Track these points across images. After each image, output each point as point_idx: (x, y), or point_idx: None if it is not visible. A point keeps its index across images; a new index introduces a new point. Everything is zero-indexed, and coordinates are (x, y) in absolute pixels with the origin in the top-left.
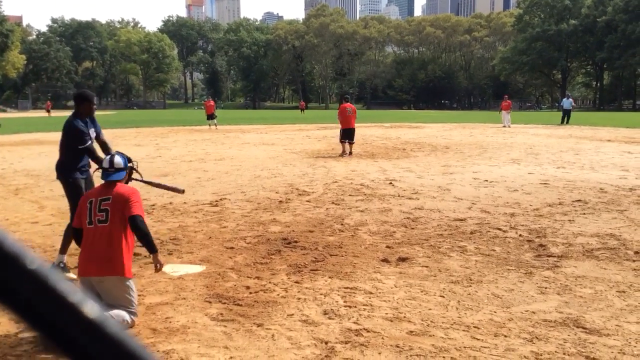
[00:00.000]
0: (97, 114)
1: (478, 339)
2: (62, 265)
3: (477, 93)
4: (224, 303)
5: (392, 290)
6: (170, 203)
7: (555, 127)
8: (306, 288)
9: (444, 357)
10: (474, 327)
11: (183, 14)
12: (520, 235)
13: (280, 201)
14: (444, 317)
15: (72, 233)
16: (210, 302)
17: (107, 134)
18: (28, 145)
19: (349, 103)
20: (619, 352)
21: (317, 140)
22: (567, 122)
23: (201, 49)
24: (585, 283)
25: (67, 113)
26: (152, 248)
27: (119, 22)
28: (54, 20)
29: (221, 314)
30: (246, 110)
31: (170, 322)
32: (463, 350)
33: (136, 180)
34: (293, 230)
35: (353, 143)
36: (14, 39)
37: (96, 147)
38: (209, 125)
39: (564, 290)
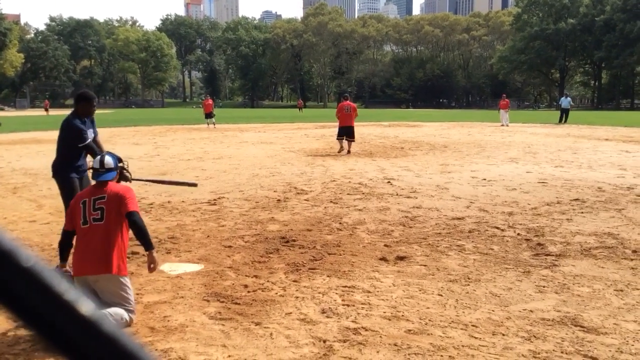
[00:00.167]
0: (95, 112)
1: (476, 338)
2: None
3: (475, 92)
4: (222, 302)
5: (390, 289)
6: (169, 202)
7: (553, 126)
8: (304, 287)
9: (442, 355)
10: (472, 325)
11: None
12: (518, 234)
13: (279, 200)
14: (442, 316)
15: (63, 235)
16: (208, 301)
17: (106, 133)
18: (26, 144)
19: (347, 101)
20: (616, 351)
21: (316, 139)
22: (565, 121)
23: (199, 47)
24: (583, 282)
25: (65, 112)
26: (148, 245)
27: (117, 20)
28: (52, 19)
29: (219, 312)
30: (244, 109)
31: (168, 320)
32: (461, 349)
33: (145, 180)
34: (291, 229)
35: (352, 141)
36: (12, 38)
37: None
38: (208, 124)
39: (562, 289)
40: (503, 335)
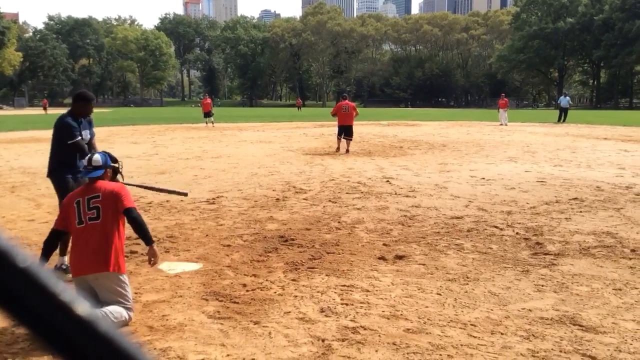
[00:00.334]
0: (94, 111)
1: (475, 337)
2: (63, 267)
3: (474, 91)
4: (221, 301)
5: (389, 288)
6: (167, 201)
7: (552, 125)
8: (303, 286)
9: (440, 354)
10: (471, 324)
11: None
12: (517, 233)
13: (277, 199)
14: (440, 315)
15: (51, 234)
16: (207, 300)
17: (104, 132)
18: (24, 142)
19: (346, 101)
20: (615, 350)
21: (314, 138)
22: (564, 121)
23: (198, 46)
24: (581, 281)
25: (63, 110)
26: (148, 240)
27: (115, 19)
28: (50, 18)
29: (218, 311)
30: (243, 108)
31: (167, 319)
32: (460, 348)
33: (135, 186)
34: (290, 228)
35: (350, 139)
36: (11, 36)
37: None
38: (206, 123)
39: (561, 288)
40: (502, 334)
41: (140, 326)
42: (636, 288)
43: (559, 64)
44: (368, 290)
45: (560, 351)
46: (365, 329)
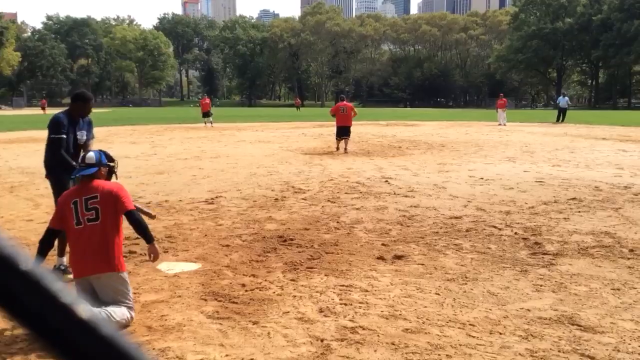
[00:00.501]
0: (93, 111)
1: (473, 337)
2: (62, 267)
3: (472, 91)
4: (220, 301)
5: (387, 288)
6: (166, 201)
7: (550, 125)
8: (302, 286)
9: (439, 354)
10: (470, 324)
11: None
12: (515, 233)
13: (276, 199)
14: (439, 315)
15: (47, 233)
16: (205, 300)
17: (103, 132)
18: (23, 142)
19: (344, 102)
20: (613, 350)
21: (313, 138)
22: (563, 120)
23: (197, 46)
24: (580, 281)
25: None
26: (149, 238)
27: (114, 19)
28: (49, 18)
29: (217, 311)
30: (242, 108)
31: (165, 320)
32: (458, 348)
33: None
34: (289, 228)
35: (347, 139)
36: (9, 36)
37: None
38: (205, 123)
39: (559, 287)
40: (500, 334)
41: (139, 326)
42: (634, 288)
43: (558, 64)
44: (367, 290)
45: (559, 351)
46: (364, 329)
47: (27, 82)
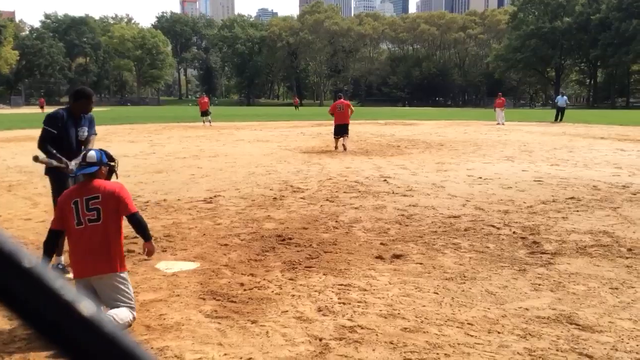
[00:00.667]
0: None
1: (472, 336)
2: (60, 266)
3: (471, 90)
4: (218, 300)
5: (386, 287)
6: (164, 200)
7: (549, 124)
8: (300, 285)
9: (437, 353)
10: (468, 323)
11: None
12: (514, 232)
13: (275, 198)
14: (437, 314)
15: (50, 235)
16: (204, 299)
17: (101, 131)
18: (21, 141)
19: (341, 100)
20: (611, 349)
21: (312, 137)
22: (561, 120)
23: (195, 45)
24: (578, 280)
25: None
26: (147, 237)
27: (112, 17)
28: (47, 16)
29: (215, 310)
30: (240, 107)
31: (164, 319)
32: (457, 347)
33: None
34: (287, 227)
35: (346, 136)
36: (7, 35)
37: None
38: (203, 122)
39: (557, 287)
40: (499, 333)
41: (137, 325)
42: (633, 287)
43: (556, 64)
44: (365, 290)
45: (557, 350)
46: (362, 328)
47: (25, 81)
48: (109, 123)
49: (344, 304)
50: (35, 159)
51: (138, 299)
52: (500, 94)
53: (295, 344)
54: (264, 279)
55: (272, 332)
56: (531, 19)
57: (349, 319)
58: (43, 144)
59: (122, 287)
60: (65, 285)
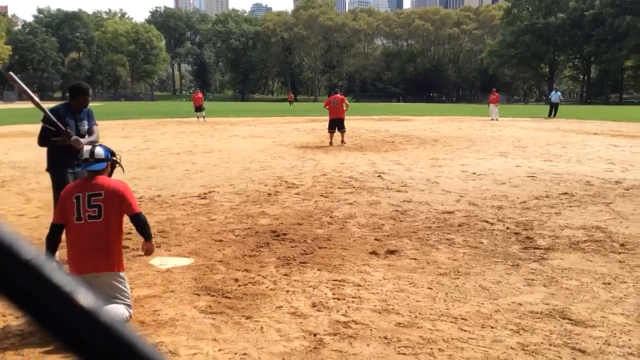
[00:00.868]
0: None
1: (465, 331)
2: (55, 261)
3: (465, 86)
4: (213, 296)
5: (380, 283)
6: (159, 196)
7: (542, 120)
8: (295, 280)
9: (431, 348)
10: (462, 318)
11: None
12: (507, 227)
13: (269, 194)
14: (431, 309)
15: (52, 229)
16: (198, 295)
17: None
18: (14, 136)
19: (336, 95)
20: (604, 343)
21: (306, 133)
22: (555, 115)
23: (189, 40)
24: (571, 275)
25: (53, 104)
26: (148, 236)
27: (106, 12)
28: (39, 11)
29: (210, 306)
30: (235, 102)
31: (158, 314)
32: (450, 342)
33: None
34: (282, 223)
35: (343, 132)
36: (0, 30)
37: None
38: (198, 118)
39: (550, 282)
40: (492, 328)
41: (131, 321)
42: (625, 282)
43: (550, 59)
44: (360, 285)
45: (550, 345)
46: (356, 324)
47: (17, 76)
48: (102, 118)
49: (338, 299)
50: (10, 77)
51: (132, 294)
52: (494, 89)
53: (290, 340)
54: (259, 275)
55: (267, 327)
56: (525, 15)
57: (343, 315)
58: (43, 139)
59: (120, 286)
60: (64, 276)
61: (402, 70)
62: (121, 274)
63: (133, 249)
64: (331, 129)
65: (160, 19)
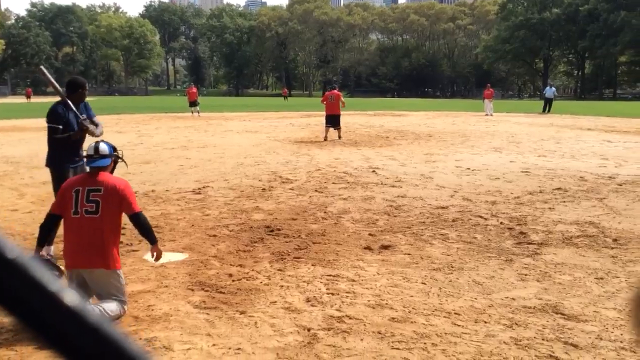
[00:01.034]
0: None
1: (459, 325)
2: (49, 255)
3: (460, 81)
4: (207, 291)
5: (374, 278)
6: (153, 191)
7: (537, 115)
8: (289, 276)
9: (425, 343)
10: (455, 313)
11: None
12: (501, 222)
13: (264, 189)
14: (425, 304)
15: (47, 218)
16: (192, 290)
17: None
18: (7, 131)
19: (333, 91)
20: (596, 338)
21: (301, 128)
22: (549, 111)
23: (183, 35)
24: (564, 270)
25: (47, 99)
26: (152, 240)
27: (99, 6)
28: (33, 5)
29: (204, 301)
30: (229, 97)
31: (152, 310)
32: (444, 337)
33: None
34: (276, 218)
35: (339, 128)
36: None
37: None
38: (192, 113)
39: (544, 277)
40: (485, 322)
41: (125, 316)
42: (617, 277)
43: (545, 55)
44: (354, 280)
45: (543, 339)
46: (350, 318)
47: (11, 70)
48: (96, 113)
49: (332, 294)
50: (40, 71)
51: (126, 290)
52: (489, 85)
53: (284, 334)
54: (253, 270)
55: (261, 322)
56: (520, 10)
57: (337, 310)
58: (54, 138)
59: (116, 283)
60: (49, 276)
61: (396, 66)
62: (117, 271)
63: (127, 244)
64: (327, 124)
65: (155, 13)
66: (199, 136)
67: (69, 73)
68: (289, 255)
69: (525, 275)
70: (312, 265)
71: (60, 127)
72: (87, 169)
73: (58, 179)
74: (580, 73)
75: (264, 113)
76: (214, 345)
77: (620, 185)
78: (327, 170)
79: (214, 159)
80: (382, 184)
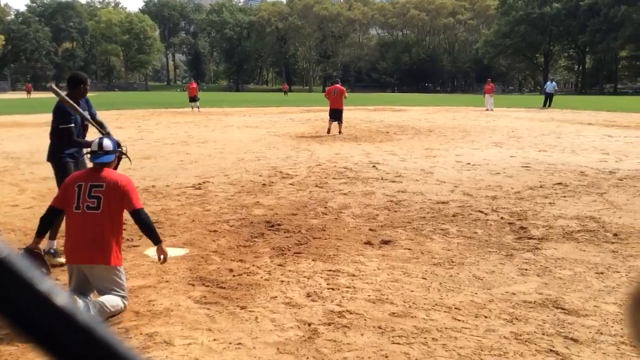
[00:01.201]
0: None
1: (459, 320)
2: (52, 251)
3: (460, 76)
4: (207, 286)
5: (374, 273)
6: (153, 186)
7: (537, 110)
8: (289, 271)
9: (425, 338)
10: (455, 308)
11: None
12: (501, 217)
13: (264, 184)
14: (425, 299)
15: (48, 211)
16: (193, 285)
17: None
18: (7, 127)
19: (336, 85)
20: (596, 332)
21: (301, 123)
22: (549, 106)
23: (183, 30)
24: (564, 265)
25: (47, 95)
26: (156, 239)
27: (99, 2)
28: (32, 0)
29: (204, 296)
30: (229, 92)
31: (153, 305)
32: (444, 331)
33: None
34: (276, 214)
35: (341, 123)
36: None
37: (92, 129)
38: (192, 108)
39: (544, 271)
40: (486, 317)
41: (126, 311)
42: (618, 272)
43: (545, 49)
44: (354, 275)
45: (543, 334)
46: (351, 313)
47: (11, 66)
48: (96, 109)
49: (332, 289)
50: (52, 89)
51: (127, 285)
52: (489, 79)
53: (284, 329)
54: (253, 265)
55: (261, 317)
56: (520, 5)
57: (337, 304)
58: (72, 140)
59: (117, 279)
60: (39, 275)
61: (397, 60)
62: (118, 268)
63: (127, 240)
64: (331, 118)
65: (154, 9)
66: (199, 131)
67: (69, 69)
68: (289, 250)
69: (526, 270)
70: (313, 260)
71: (72, 125)
72: (88, 163)
73: (61, 173)
74: (580, 68)
75: (264, 108)
76: (214, 340)
77: (621, 180)
78: (328, 165)
79: (214, 154)
80: (382, 179)
